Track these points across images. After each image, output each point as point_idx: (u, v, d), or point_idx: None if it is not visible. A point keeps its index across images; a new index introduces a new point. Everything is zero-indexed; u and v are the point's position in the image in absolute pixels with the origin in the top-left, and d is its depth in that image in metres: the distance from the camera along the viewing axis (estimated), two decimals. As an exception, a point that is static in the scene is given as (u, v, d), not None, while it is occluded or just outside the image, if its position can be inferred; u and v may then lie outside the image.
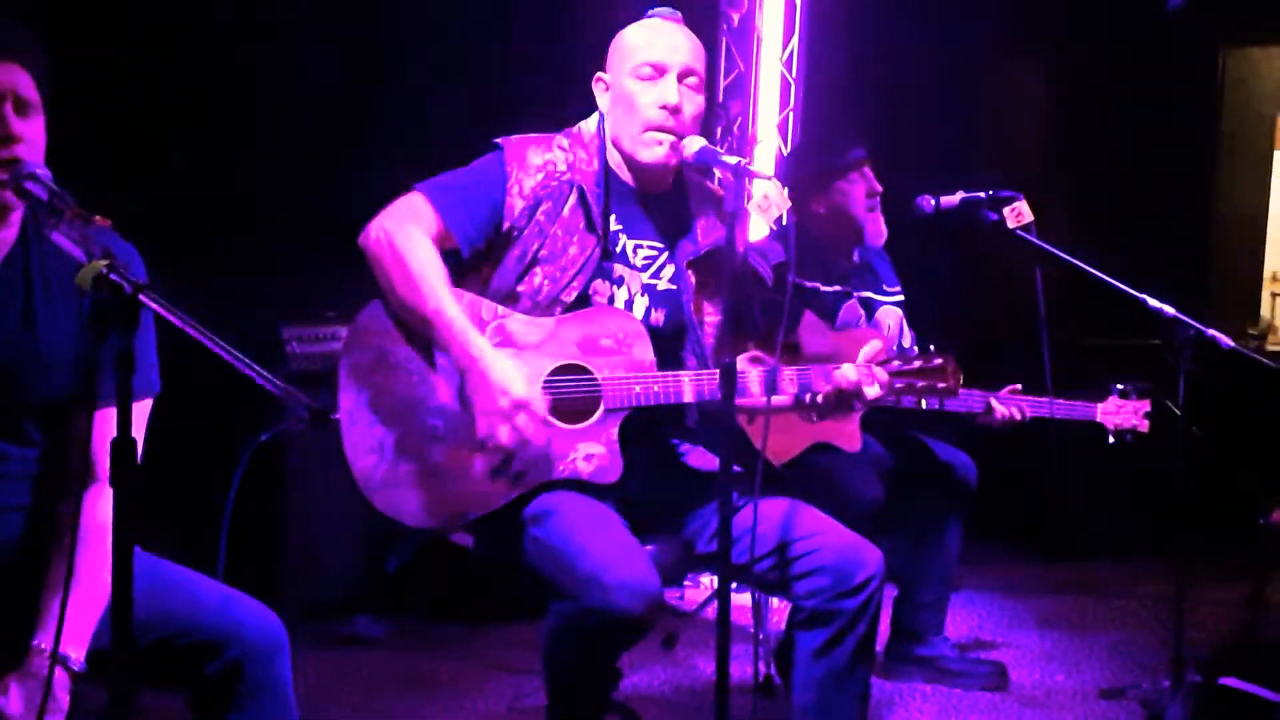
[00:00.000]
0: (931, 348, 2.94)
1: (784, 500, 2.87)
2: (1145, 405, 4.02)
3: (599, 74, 2.95)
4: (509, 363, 2.70)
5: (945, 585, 4.21)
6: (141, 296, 1.84)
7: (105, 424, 2.11)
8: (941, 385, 2.91)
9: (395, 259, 2.74)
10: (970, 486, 4.14)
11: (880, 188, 4.16)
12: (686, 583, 5.09)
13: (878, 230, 4.19)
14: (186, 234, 4.47)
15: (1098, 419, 4.03)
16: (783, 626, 3.79)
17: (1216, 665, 3.68)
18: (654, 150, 2.85)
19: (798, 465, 3.89)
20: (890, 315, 4.22)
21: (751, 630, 4.05)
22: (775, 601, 4.32)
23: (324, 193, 4.82)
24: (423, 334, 2.76)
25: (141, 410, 2.38)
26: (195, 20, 4.71)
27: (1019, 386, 4.00)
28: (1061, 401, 3.96)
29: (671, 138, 2.84)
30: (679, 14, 2.96)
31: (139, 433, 2.34)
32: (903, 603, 4.23)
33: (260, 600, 2.39)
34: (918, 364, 2.92)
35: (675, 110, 2.83)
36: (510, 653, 4.31)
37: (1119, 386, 4.03)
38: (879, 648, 4.14)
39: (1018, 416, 3.98)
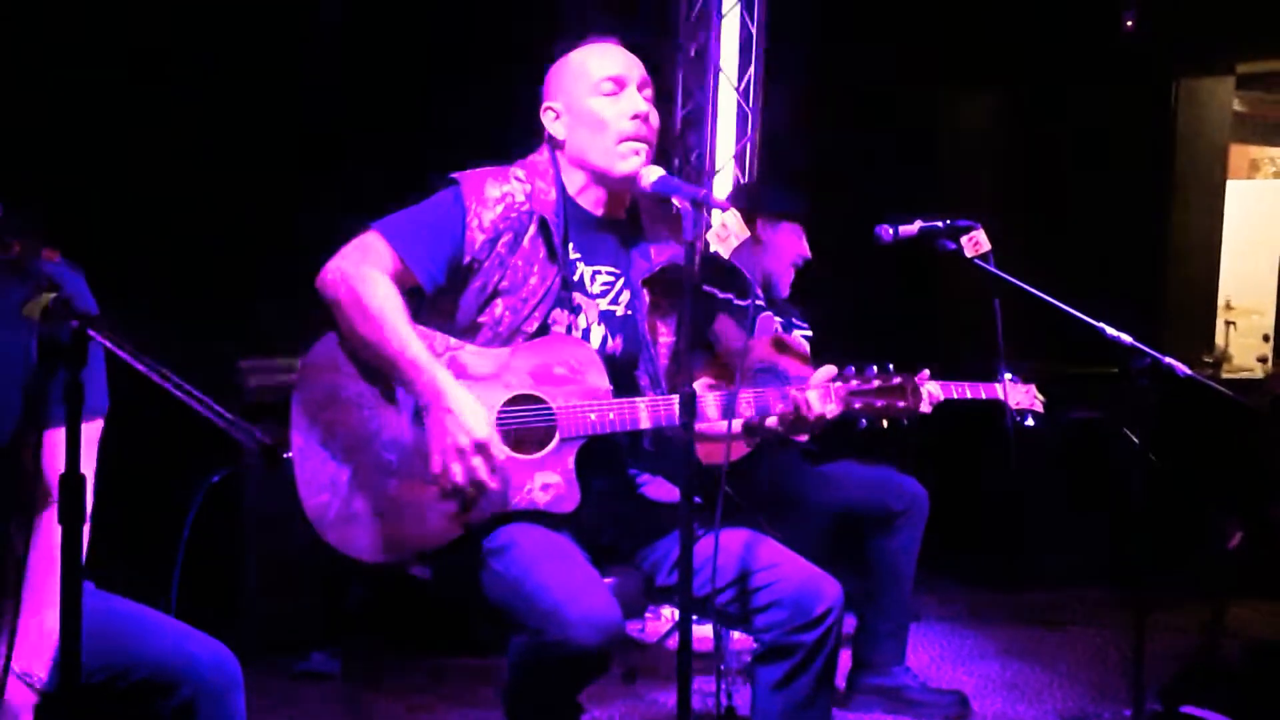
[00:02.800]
0: (890, 367, 2.93)
1: (743, 531, 2.85)
2: (1033, 387, 4.08)
3: (546, 105, 2.93)
4: (474, 401, 2.67)
5: (904, 615, 4.21)
6: (90, 330, 1.81)
7: (58, 445, 2.09)
8: (902, 404, 2.86)
9: (354, 301, 2.71)
10: (923, 514, 4.15)
11: (809, 255, 4.46)
12: (648, 614, 5.07)
13: (785, 286, 4.47)
14: (144, 266, 4.44)
15: (1000, 396, 4.06)
16: (746, 657, 3.77)
17: (1177, 693, 3.68)
18: (631, 161, 2.84)
19: (749, 472, 3.91)
20: (801, 344, 4.27)
21: (715, 661, 4.04)
22: (736, 634, 4.30)
23: (281, 224, 4.79)
24: (378, 370, 2.74)
25: (93, 430, 2.34)
26: (158, 53, 4.69)
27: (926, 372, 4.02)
28: (962, 383, 3.99)
29: (646, 146, 2.86)
30: (614, 37, 2.98)
31: (90, 453, 2.31)
32: (862, 633, 4.23)
33: (216, 635, 2.36)
34: (876, 383, 2.87)
35: (645, 118, 2.86)
36: (470, 688, 4.27)
37: (1006, 373, 4.08)
38: (839, 679, 4.15)
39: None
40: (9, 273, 1.96)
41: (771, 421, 2.87)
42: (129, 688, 2.24)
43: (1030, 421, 4.08)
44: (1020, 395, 4.07)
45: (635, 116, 2.84)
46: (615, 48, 2.93)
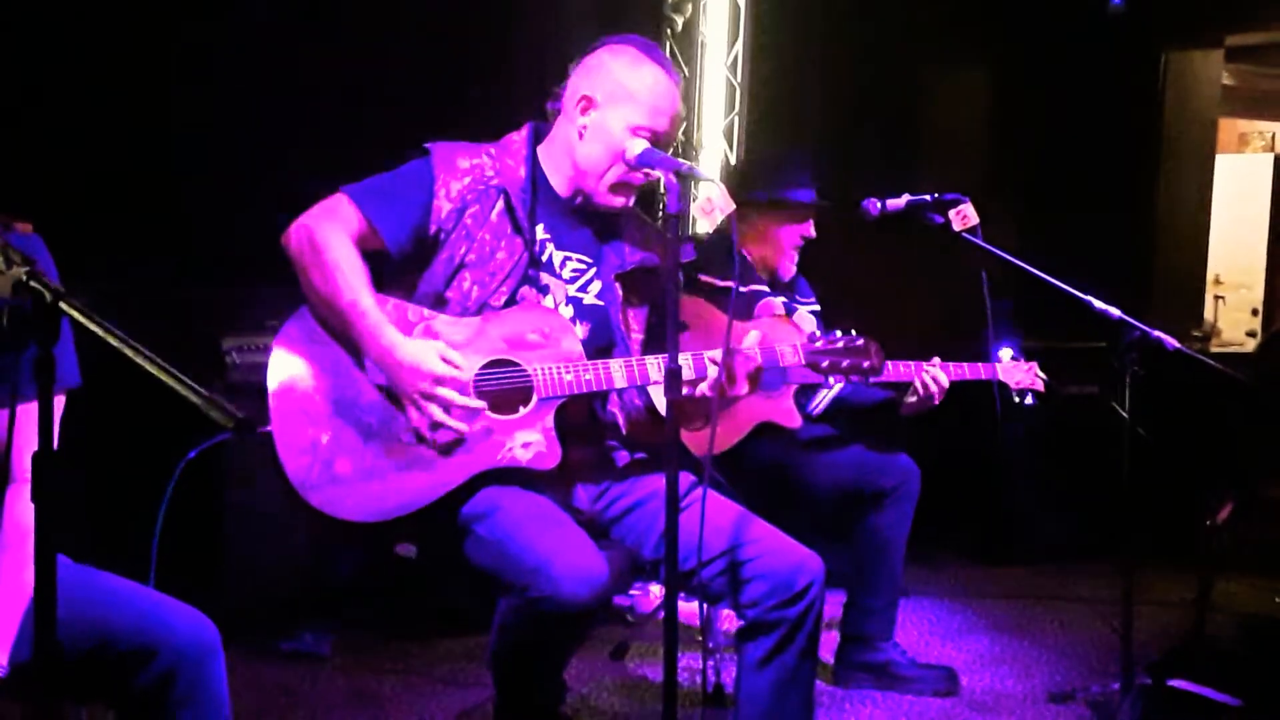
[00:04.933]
0: (853, 330, 2.98)
1: (726, 506, 2.86)
2: (1034, 365, 4.10)
3: (584, 93, 2.87)
4: (420, 344, 2.70)
5: (894, 591, 4.20)
6: (61, 304, 1.78)
7: (23, 422, 2.06)
8: (866, 364, 2.95)
9: (313, 253, 2.74)
10: (915, 491, 4.14)
11: (813, 235, 4.25)
12: (635, 591, 5.05)
13: (789, 269, 4.29)
14: (127, 244, 4.40)
15: (999, 377, 4.08)
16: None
17: (1165, 667, 3.68)
18: (617, 200, 2.90)
19: (742, 453, 3.89)
20: (807, 321, 4.22)
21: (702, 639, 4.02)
22: (726, 611, 4.29)
23: (264, 202, 4.75)
24: (342, 332, 2.75)
25: (57, 404, 2.31)
26: (136, 30, 4.65)
27: (937, 359, 4.01)
28: (961, 364, 4.00)
29: (637, 187, 2.90)
30: (674, 70, 2.94)
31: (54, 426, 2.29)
32: (852, 609, 4.21)
33: (202, 613, 2.33)
34: (841, 344, 2.96)
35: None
36: (457, 666, 4.26)
37: (1007, 348, 4.08)
38: (829, 655, 4.15)
39: (934, 389, 3.97)
40: None
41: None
42: (108, 663, 2.21)
43: (1030, 400, 4.09)
44: (1021, 374, 4.08)
45: (645, 175, 2.86)
46: (676, 94, 2.88)
